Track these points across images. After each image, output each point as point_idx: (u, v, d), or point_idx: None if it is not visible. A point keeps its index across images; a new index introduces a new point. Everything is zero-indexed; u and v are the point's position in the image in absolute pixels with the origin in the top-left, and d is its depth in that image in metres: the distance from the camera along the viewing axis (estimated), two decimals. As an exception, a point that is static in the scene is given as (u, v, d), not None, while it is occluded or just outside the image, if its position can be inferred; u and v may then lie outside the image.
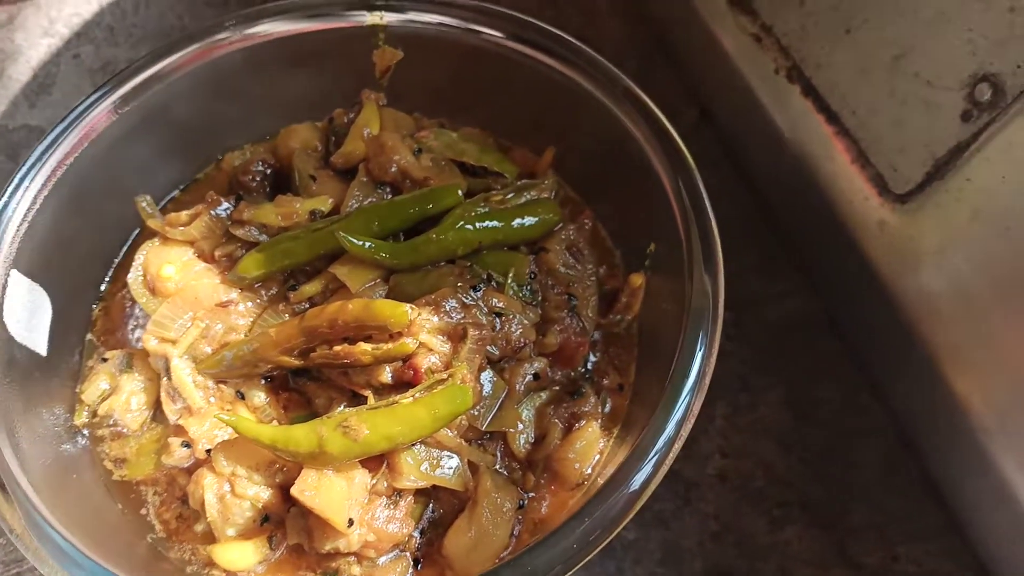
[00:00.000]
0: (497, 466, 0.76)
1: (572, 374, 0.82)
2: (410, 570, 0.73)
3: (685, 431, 0.68)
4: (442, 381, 0.72)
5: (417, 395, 0.72)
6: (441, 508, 0.76)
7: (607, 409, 0.81)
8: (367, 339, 0.74)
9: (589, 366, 0.83)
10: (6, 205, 0.77)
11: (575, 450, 0.76)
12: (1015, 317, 0.72)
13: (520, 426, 0.77)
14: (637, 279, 0.84)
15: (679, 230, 0.76)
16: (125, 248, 0.90)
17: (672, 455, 0.67)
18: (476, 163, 0.87)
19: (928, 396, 0.84)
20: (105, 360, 0.81)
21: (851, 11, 0.82)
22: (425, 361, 0.73)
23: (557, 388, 0.80)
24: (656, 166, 0.80)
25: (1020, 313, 0.71)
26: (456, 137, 0.91)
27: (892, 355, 0.89)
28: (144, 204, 0.87)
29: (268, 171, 0.91)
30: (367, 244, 0.77)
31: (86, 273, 0.87)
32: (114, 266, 0.89)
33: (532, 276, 0.81)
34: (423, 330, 0.73)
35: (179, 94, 0.88)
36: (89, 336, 0.85)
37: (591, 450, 0.77)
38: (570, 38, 0.87)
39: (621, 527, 0.65)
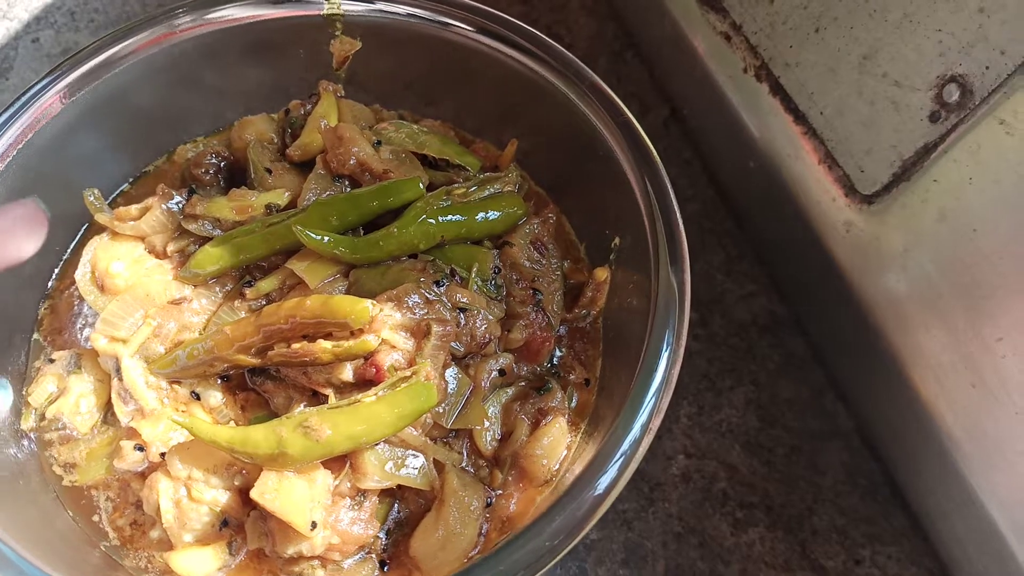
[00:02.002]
0: (463, 464, 0.75)
1: (538, 369, 0.81)
2: (376, 572, 0.72)
3: (651, 433, 0.66)
4: (405, 379, 0.70)
5: (380, 393, 0.70)
6: (407, 508, 0.74)
7: (574, 404, 0.80)
8: (327, 336, 0.72)
9: (555, 361, 0.82)
10: (-56, 198, 0.73)
11: (542, 446, 0.75)
12: (980, 320, 0.72)
13: (486, 423, 0.75)
14: (602, 273, 0.83)
15: (644, 225, 0.75)
16: (73, 244, 0.86)
17: (638, 457, 0.66)
18: (437, 156, 0.85)
19: (892, 399, 0.84)
20: (52, 361, 0.78)
21: (820, 10, 0.82)
22: (387, 358, 0.71)
23: (523, 384, 0.79)
24: (621, 161, 0.78)
25: (985, 316, 0.71)
26: (417, 129, 0.89)
27: (857, 357, 0.89)
28: (92, 198, 0.83)
29: (222, 164, 0.88)
30: (325, 239, 0.75)
31: (32, 269, 0.83)
32: (61, 262, 0.85)
33: (496, 271, 0.79)
34: (385, 326, 0.71)
35: (131, 82, 0.84)
36: (35, 336, 0.82)
37: (558, 446, 0.76)
38: (537, 32, 0.86)
39: (586, 530, 0.64)
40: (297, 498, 0.67)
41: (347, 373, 0.72)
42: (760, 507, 0.89)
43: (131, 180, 0.91)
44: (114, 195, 0.90)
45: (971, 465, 0.76)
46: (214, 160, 0.88)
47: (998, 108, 0.68)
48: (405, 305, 0.73)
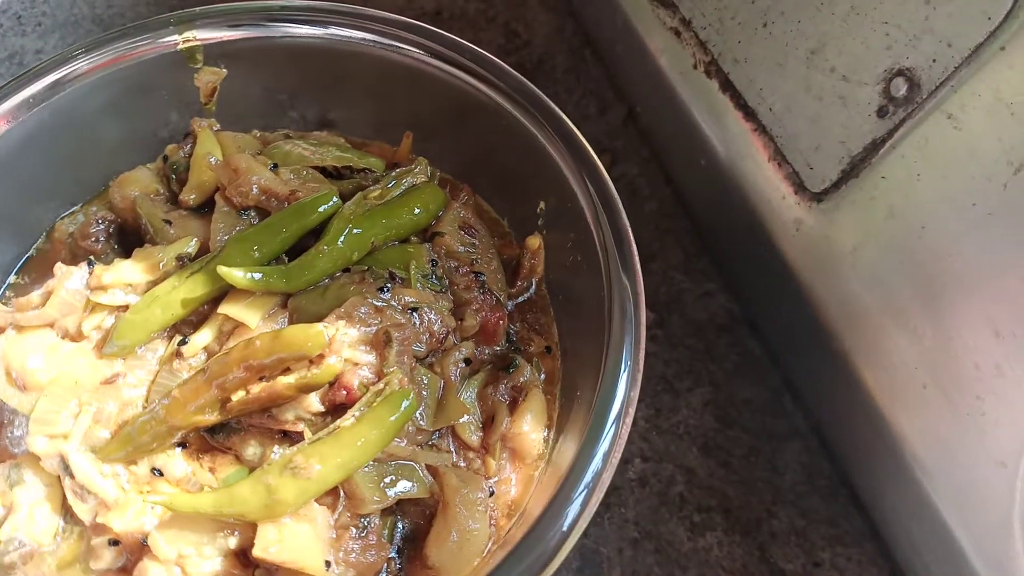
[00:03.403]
0: (455, 462, 0.73)
1: (498, 350, 0.80)
2: (398, 594, 0.69)
3: (613, 464, 0.63)
4: (379, 392, 0.68)
5: (356, 414, 0.67)
6: (410, 521, 0.72)
7: (542, 375, 0.79)
8: (284, 372, 0.69)
9: (512, 338, 0.81)
10: None
11: (527, 423, 0.74)
12: (932, 318, 0.70)
13: (466, 416, 0.74)
14: (535, 241, 0.83)
15: (568, 183, 0.75)
16: (-32, 352, 0.79)
17: (602, 487, 0.63)
18: (339, 165, 0.83)
19: (846, 400, 0.83)
20: (-14, 480, 0.71)
21: (768, 4, 0.80)
22: (355, 377, 0.69)
23: (489, 368, 0.78)
24: (525, 126, 0.78)
25: (937, 314, 0.70)
26: (308, 144, 0.86)
27: (811, 357, 0.88)
28: (-22, 300, 0.76)
29: (110, 228, 0.83)
30: (255, 275, 0.71)
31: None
32: (-40, 375, 0.77)
33: (433, 263, 0.78)
34: (344, 346, 0.69)
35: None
36: (-45, 459, 0.74)
37: (542, 418, 0.76)
38: (396, 16, 0.84)
39: (556, 564, 0.61)
40: (303, 543, 0.64)
41: (315, 404, 0.69)
42: (718, 510, 0.88)
43: (15, 272, 0.84)
44: (2, 289, 0.82)
45: (924, 467, 0.74)
46: (101, 226, 0.82)
47: (945, 102, 0.67)
48: (356, 319, 0.70)
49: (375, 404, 0.67)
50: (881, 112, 0.71)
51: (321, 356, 0.68)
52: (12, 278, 0.84)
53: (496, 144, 0.83)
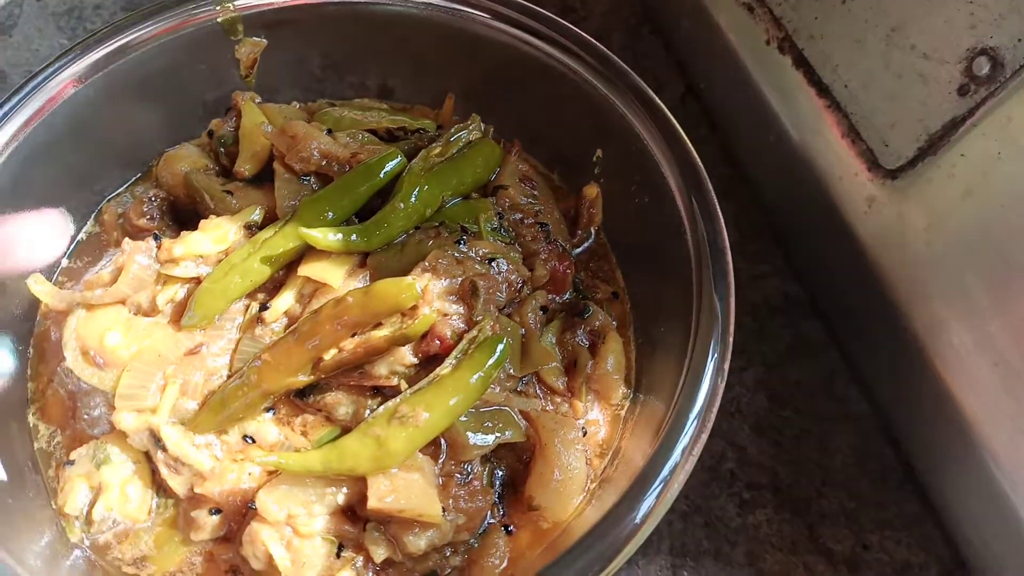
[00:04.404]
0: (544, 407, 0.74)
1: (566, 298, 0.81)
2: (503, 537, 0.69)
3: (693, 457, 0.63)
4: (473, 339, 0.68)
5: (453, 361, 0.68)
6: (505, 466, 0.73)
7: (613, 321, 0.80)
8: (375, 327, 0.69)
9: (579, 286, 0.82)
10: None
11: (610, 364, 0.75)
12: (1005, 299, 0.69)
13: (552, 362, 0.74)
14: (592, 190, 0.84)
15: (632, 126, 0.76)
16: (32, 339, 0.77)
17: (679, 483, 0.62)
18: (393, 127, 0.83)
19: (910, 380, 0.82)
20: (72, 463, 0.70)
21: None
22: (447, 327, 0.69)
23: (562, 315, 0.79)
24: (581, 74, 0.79)
25: (1010, 295, 0.69)
26: (356, 110, 0.85)
27: (874, 336, 0.87)
28: (39, 286, 0.74)
29: (163, 205, 0.81)
30: (336, 236, 0.71)
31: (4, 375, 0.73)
32: (30, 360, 0.76)
33: (500, 216, 0.78)
34: (435, 298, 0.69)
35: (36, 153, 0.76)
36: (36, 446, 0.73)
37: (621, 360, 0.77)
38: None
39: (623, 558, 0.60)
40: (419, 490, 0.64)
41: (409, 356, 0.69)
42: (768, 488, 0.87)
43: (68, 255, 0.82)
44: (56, 275, 0.81)
45: (992, 446, 0.73)
46: (154, 204, 0.81)
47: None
48: (441, 271, 0.71)
49: (471, 351, 0.68)
50: (962, 90, 0.70)
51: (414, 308, 0.68)
52: (65, 262, 0.82)
53: (541, 98, 0.84)
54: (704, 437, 0.64)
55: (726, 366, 0.66)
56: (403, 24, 0.85)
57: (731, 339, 0.66)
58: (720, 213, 0.71)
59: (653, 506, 0.61)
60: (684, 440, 0.63)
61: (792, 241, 0.95)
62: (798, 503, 0.87)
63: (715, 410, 0.65)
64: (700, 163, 0.73)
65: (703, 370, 0.65)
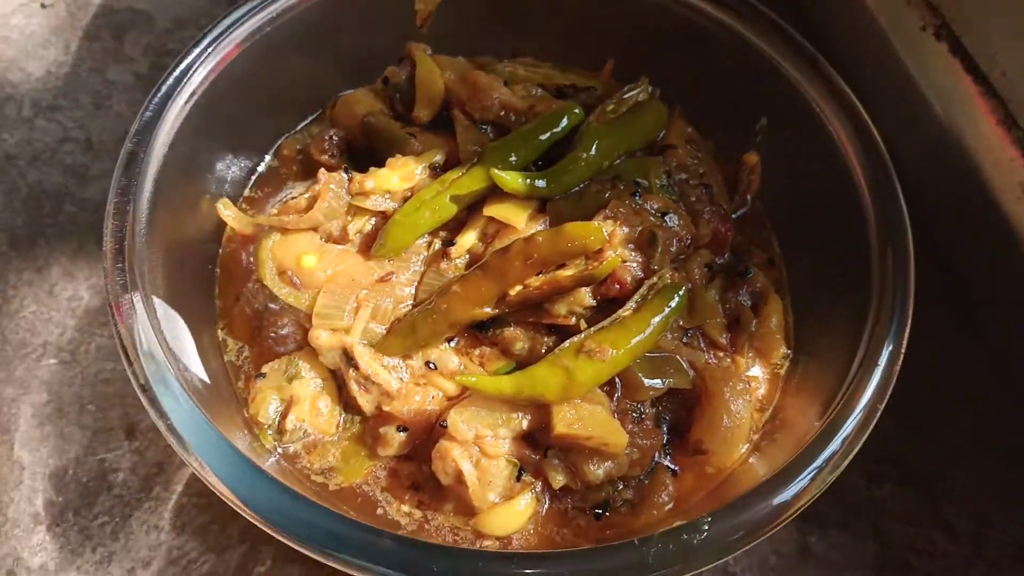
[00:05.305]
0: (708, 360, 0.77)
1: (723, 260, 0.83)
2: (670, 477, 0.73)
3: (855, 447, 0.65)
4: (652, 285, 0.72)
5: (633, 305, 0.71)
6: (669, 412, 0.76)
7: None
8: (559, 268, 0.72)
9: (735, 249, 0.85)
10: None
11: (773, 324, 0.78)
12: None
13: (717, 317, 0.77)
14: (752, 158, 0.86)
15: (805, 96, 0.79)
16: (218, 259, 0.81)
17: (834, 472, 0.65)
18: (565, 84, 0.86)
19: None
20: (263, 375, 0.74)
21: None
22: (627, 273, 0.72)
23: (721, 275, 0.82)
24: (748, 40, 0.82)
25: None
26: (523, 67, 0.89)
27: (1019, 320, 0.88)
28: (227, 211, 0.79)
29: (342, 144, 0.85)
30: (526, 179, 0.75)
31: (196, 293, 0.78)
32: (217, 279, 0.80)
33: (667, 174, 0.81)
34: (618, 243, 0.72)
35: (227, 90, 0.80)
36: (226, 358, 0.77)
37: (781, 321, 0.80)
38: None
39: (766, 534, 0.62)
40: (602, 419, 0.68)
41: (588, 298, 0.72)
42: (894, 463, 0.89)
43: (250, 186, 0.86)
44: (238, 202, 0.85)
45: None
46: (335, 142, 0.85)
47: None
48: (621, 220, 0.74)
49: (650, 296, 0.71)
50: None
51: (599, 252, 0.72)
52: (247, 192, 0.86)
53: (698, 64, 0.87)
54: (875, 419, 0.67)
55: (901, 353, 0.69)
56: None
57: (907, 330, 0.69)
58: (901, 193, 0.73)
59: (819, 476, 0.64)
60: (853, 423, 0.66)
61: (938, 225, 0.96)
62: (923, 478, 0.89)
63: (887, 395, 0.67)
64: (879, 138, 0.75)
65: (879, 355, 0.68)
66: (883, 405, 0.67)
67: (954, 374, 0.93)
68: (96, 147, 1.04)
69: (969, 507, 0.88)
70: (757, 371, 0.78)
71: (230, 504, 0.60)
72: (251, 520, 0.60)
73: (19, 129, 1.05)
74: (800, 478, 0.63)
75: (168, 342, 0.65)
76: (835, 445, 0.64)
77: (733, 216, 0.86)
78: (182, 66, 0.76)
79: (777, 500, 0.62)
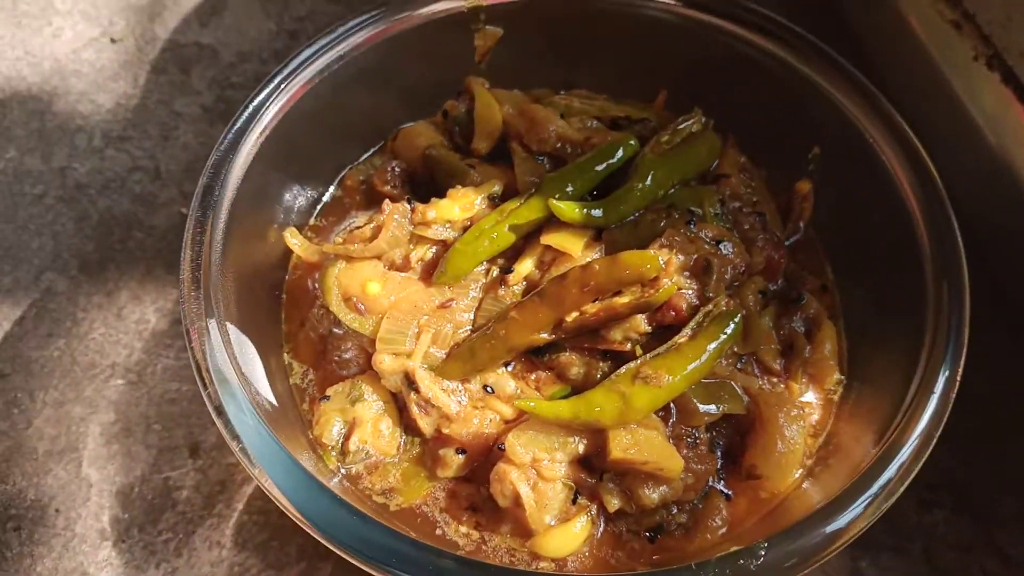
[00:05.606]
0: (761, 385, 0.78)
1: (777, 287, 0.84)
2: (724, 502, 0.74)
3: (909, 476, 0.66)
4: (707, 313, 0.73)
5: (689, 332, 0.72)
6: (723, 437, 0.77)
7: (822, 312, 0.84)
8: (616, 295, 0.74)
9: (788, 275, 0.86)
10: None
11: (826, 351, 0.79)
12: None
13: (771, 343, 0.78)
14: (805, 186, 0.88)
15: (858, 126, 0.80)
16: (285, 285, 0.85)
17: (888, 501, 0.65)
18: (619, 115, 0.88)
19: None
20: (327, 398, 0.76)
21: None
22: (683, 300, 0.74)
23: (775, 302, 0.83)
24: (799, 70, 0.84)
25: None
26: (577, 100, 0.91)
27: None
28: (295, 240, 0.82)
29: (403, 175, 0.88)
30: (583, 209, 0.77)
31: (264, 318, 0.81)
32: (283, 305, 0.84)
33: (721, 203, 0.83)
34: (673, 271, 0.74)
35: (295, 125, 0.83)
36: (291, 381, 0.80)
37: (835, 348, 0.80)
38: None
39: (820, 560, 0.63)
40: (658, 444, 0.69)
41: (643, 324, 0.74)
42: (946, 489, 0.89)
43: (316, 215, 0.90)
44: (304, 230, 0.89)
45: None
46: (397, 173, 0.88)
47: None
48: (677, 248, 0.75)
49: (706, 323, 0.73)
50: None
51: (655, 279, 0.73)
52: (312, 220, 0.90)
53: (751, 94, 0.88)
54: (930, 446, 0.67)
55: (957, 382, 0.69)
56: (613, 19, 0.91)
57: (963, 358, 0.69)
58: (956, 225, 0.74)
59: (874, 503, 0.64)
60: (908, 450, 0.66)
61: (993, 250, 0.96)
62: (975, 506, 0.89)
63: (943, 423, 0.68)
64: (932, 168, 0.76)
65: (934, 383, 0.69)
66: (939, 432, 0.67)
67: (1008, 401, 0.93)
68: (164, 176, 1.08)
69: (1021, 535, 0.88)
70: (811, 397, 0.79)
71: (297, 522, 0.62)
72: (317, 538, 0.62)
73: (90, 159, 1.10)
74: (855, 505, 0.64)
75: (240, 366, 0.68)
76: (891, 472, 0.65)
77: (786, 243, 0.87)
78: (255, 103, 0.79)
79: (831, 527, 0.63)
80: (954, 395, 0.68)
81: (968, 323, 0.71)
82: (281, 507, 0.63)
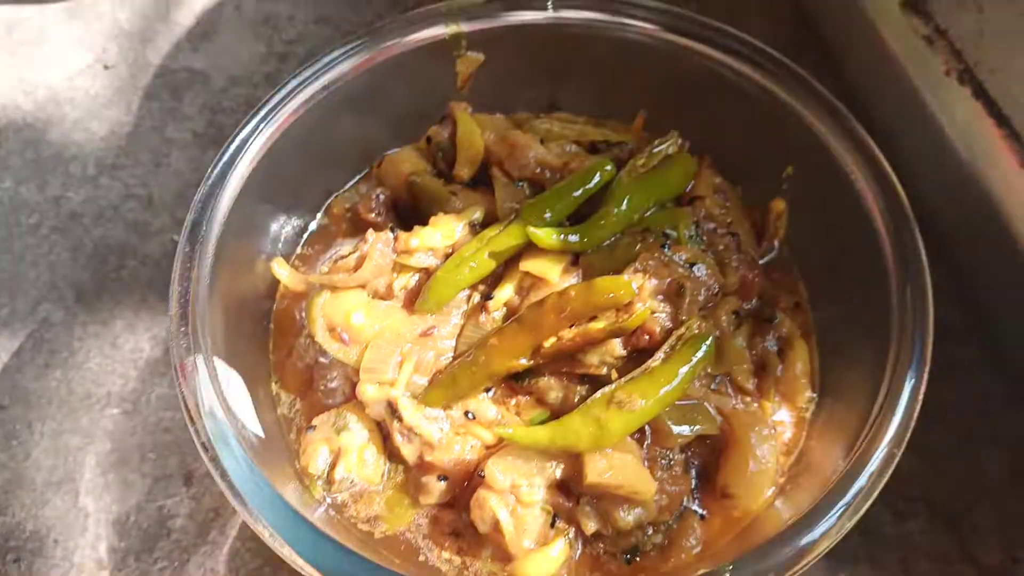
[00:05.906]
0: (734, 405, 0.80)
1: (750, 306, 0.86)
2: (698, 522, 0.76)
3: (881, 481, 0.67)
4: (680, 336, 0.75)
5: (662, 355, 0.74)
6: (698, 457, 0.78)
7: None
8: (591, 320, 0.76)
9: (762, 294, 0.87)
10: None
11: (798, 369, 0.81)
12: None
13: (744, 363, 0.80)
14: (779, 204, 0.89)
15: (828, 146, 0.82)
16: (272, 315, 0.87)
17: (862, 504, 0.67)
18: (597, 139, 0.90)
19: None
20: (313, 428, 0.79)
21: None
22: (656, 324, 0.75)
23: (748, 321, 0.84)
24: (772, 92, 0.85)
25: None
26: (558, 123, 0.93)
27: None
28: (283, 270, 0.84)
29: (388, 203, 0.90)
30: (560, 235, 0.78)
31: (251, 348, 0.83)
32: (271, 334, 0.86)
33: (696, 224, 0.85)
34: (647, 295, 0.76)
35: (282, 154, 0.85)
36: (279, 411, 0.82)
37: (807, 366, 0.82)
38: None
39: (816, 558, 0.65)
40: (632, 468, 0.71)
41: (619, 348, 0.76)
42: (921, 500, 0.91)
43: (303, 244, 0.92)
44: (291, 260, 0.90)
45: None
46: (381, 200, 0.90)
47: None
48: (650, 272, 0.77)
49: (679, 346, 0.74)
50: None
51: (629, 304, 0.75)
52: (299, 249, 0.92)
53: (727, 114, 0.90)
54: (899, 454, 0.68)
55: (922, 390, 0.71)
56: (592, 41, 0.92)
57: (927, 367, 0.71)
58: (920, 239, 0.76)
59: (844, 515, 0.66)
60: (877, 460, 0.68)
61: (964, 267, 0.98)
62: (950, 516, 0.90)
63: (910, 431, 0.69)
64: (899, 185, 0.78)
65: (900, 393, 0.70)
66: (906, 440, 0.69)
67: (980, 411, 0.95)
68: (156, 204, 1.10)
69: (995, 544, 0.89)
70: (783, 415, 0.81)
71: (282, 557, 0.64)
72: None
73: (84, 187, 1.12)
74: (826, 518, 0.65)
75: (227, 400, 0.70)
76: (860, 483, 0.67)
77: (760, 261, 0.89)
78: (242, 135, 0.81)
79: (804, 541, 0.65)
80: (919, 404, 0.70)
81: (931, 332, 0.72)
82: (267, 543, 0.65)
